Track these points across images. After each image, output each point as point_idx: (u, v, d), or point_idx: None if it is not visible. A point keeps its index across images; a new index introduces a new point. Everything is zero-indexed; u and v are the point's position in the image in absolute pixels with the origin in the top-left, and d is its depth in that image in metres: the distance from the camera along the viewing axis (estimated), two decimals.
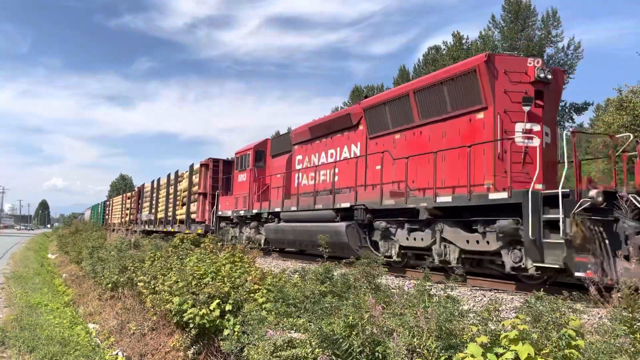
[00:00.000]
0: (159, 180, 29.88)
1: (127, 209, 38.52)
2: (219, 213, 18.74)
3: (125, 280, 11.01)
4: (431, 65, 43.22)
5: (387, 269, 6.68)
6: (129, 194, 40.09)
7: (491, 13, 44.35)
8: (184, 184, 24.10)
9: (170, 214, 25.69)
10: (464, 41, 41.05)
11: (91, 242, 19.21)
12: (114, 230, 38.75)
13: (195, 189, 21.77)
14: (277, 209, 14.46)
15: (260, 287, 6.43)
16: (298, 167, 14.91)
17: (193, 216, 21.44)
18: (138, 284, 9.62)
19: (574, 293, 4.18)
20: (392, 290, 5.25)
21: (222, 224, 18.50)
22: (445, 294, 4.42)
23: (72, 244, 24.20)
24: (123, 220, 38.73)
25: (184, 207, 23.09)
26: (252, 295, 6.31)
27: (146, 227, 29.98)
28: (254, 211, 15.88)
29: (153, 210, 29.56)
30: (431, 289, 4.72)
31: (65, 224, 72.88)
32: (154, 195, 29.89)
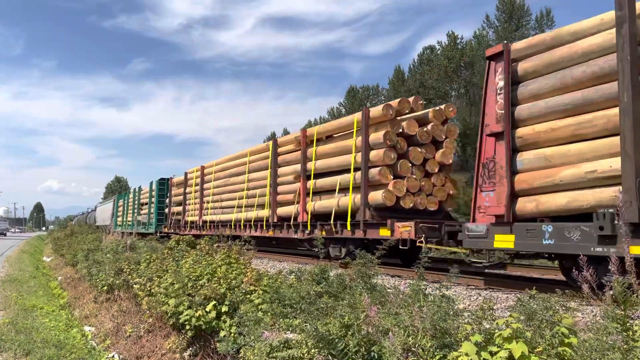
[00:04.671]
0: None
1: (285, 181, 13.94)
2: None
3: (121, 282, 10.99)
4: (426, 65, 43.35)
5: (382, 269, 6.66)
6: (287, 138, 14.60)
7: (485, 13, 44.51)
8: None
9: None
10: (458, 41, 41.22)
11: (86, 245, 19.16)
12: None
13: None
14: None
15: (256, 288, 6.44)
16: None
17: None
18: (134, 286, 9.61)
19: (566, 291, 4.21)
20: (388, 290, 5.26)
21: None
22: (440, 294, 4.44)
23: (68, 246, 24.10)
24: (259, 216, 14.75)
25: None
26: (248, 296, 6.31)
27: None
28: None
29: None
30: (426, 289, 4.74)
31: (60, 226, 71.58)
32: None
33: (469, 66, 38.87)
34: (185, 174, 22.34)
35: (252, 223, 15.09)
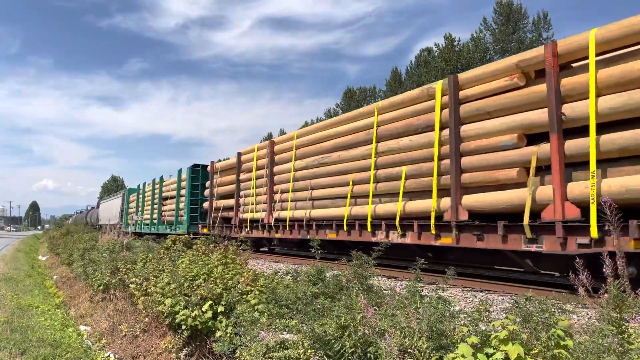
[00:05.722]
0: None
1: None
2: None
3: (117, 281, 10.98)
4: (423, 67, 43.47)
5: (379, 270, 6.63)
6: (484, 69, 8.00)
7: (483, 16, 44.66)
8: None
9: None
10: (455, 43, 41.33)
11: (82, 244, 19.11)
12: None
13: None
14: None
15: (252, 289, 6.44)
16: None
17: None
18: (130, 285, 9.60)
19: (562, 293, 4.23)
20: (385, 292, 5.27)
21: None
22: (437, 295, 4.46)
23: (63, 245, 24.03)
24: None
25: None
26: (244, 296, 6.31)
27: None
28: None
29: None
30: (423, 290, 4.76)
31: (56, 225, 71.10)
32: None
33: (466, 68, 38.97)
34: (239, 154, 16.67)
35: (396, 222, 9.24)
